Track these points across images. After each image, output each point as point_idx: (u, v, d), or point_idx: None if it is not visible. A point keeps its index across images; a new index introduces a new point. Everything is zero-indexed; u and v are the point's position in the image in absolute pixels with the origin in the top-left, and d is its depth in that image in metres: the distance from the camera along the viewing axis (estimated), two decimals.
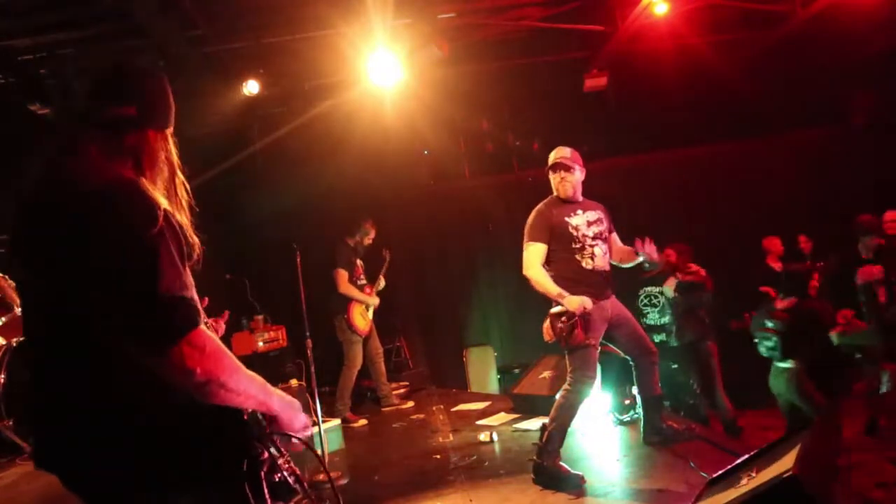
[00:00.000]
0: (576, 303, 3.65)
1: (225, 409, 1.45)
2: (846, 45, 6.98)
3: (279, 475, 1.49)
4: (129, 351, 1.35)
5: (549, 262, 3.88)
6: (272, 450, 1.50)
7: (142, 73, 1.60)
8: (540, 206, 3.99)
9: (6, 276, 4.57)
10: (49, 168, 1.51)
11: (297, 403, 1.59)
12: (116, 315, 1.34)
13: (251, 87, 6.08)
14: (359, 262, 6.21)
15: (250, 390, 1.46)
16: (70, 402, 1.41)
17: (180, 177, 1.65)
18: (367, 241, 6.20)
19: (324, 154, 7.61)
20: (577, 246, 3.85)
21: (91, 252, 1.35)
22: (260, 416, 1.53)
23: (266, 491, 1.43)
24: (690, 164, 8.21)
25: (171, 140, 1.64)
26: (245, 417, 1.50)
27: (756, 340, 5.16)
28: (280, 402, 1.53)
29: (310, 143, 7.59)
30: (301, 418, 1.59)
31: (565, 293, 3.70)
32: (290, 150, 7.60)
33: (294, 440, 1.57)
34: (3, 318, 4.37)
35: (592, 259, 3.85)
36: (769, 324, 5.00)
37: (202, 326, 1.39)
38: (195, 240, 1.56)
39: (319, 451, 4.38)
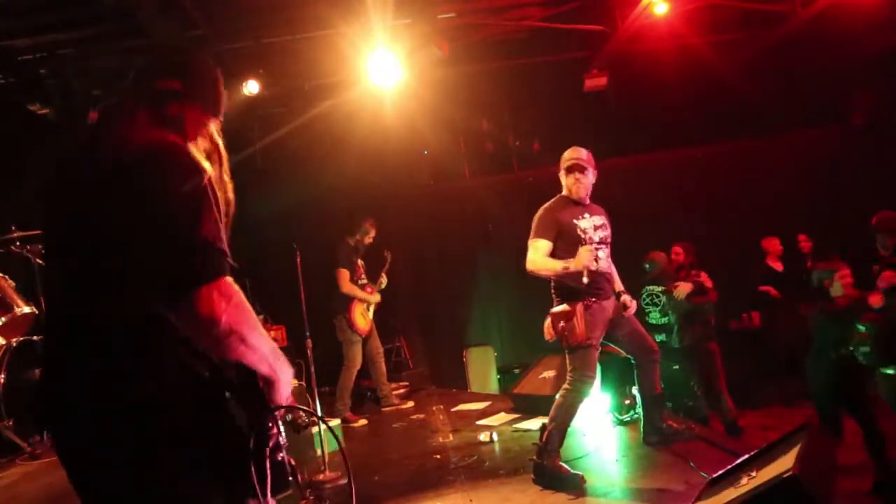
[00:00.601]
0: (582, 260, 3.65)
1: (242, 378, 1.46)
2: (846, 45, 6.98)
3: (281, 455, 1.48)
4: (159, 305, 1.37)
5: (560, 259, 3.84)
6: (278, 426, 1.49)
7: (193, 55, 1.71)
8: (549, 204, 3.98)
9: (6, 277, 4.58)
10: (98, 131, 1.57)
11: (291, 371, 1.60)
12: (155, 255, 1.36)
13: (251, 87, 6.07)
14: (359, 261, 6.21)
15: (264, 350, 1.48)
16: (89, 384, 1.40)
17: (226, 168, 1.72)
18: (368, 240, 6.20)
19: (324, 154, 7.61)
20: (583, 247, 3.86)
21: (140, 199, 1.39)
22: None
23: (269, 470, 1.42)
24: (690, 164, 8.22)
25: (216, 128, 1.71)
26: (260, 384, 1.49)
27: (851, 349, 4.54)
28: (283, 367, 1.55)
29: (310, 143, 7.59)
30: (289, 389, 1.59)
31: (570, 260, 3.70)
32: (290, 150, 7.60)
33: (301, 414, 1.57)
34: (3, 318, 4.37)
35: (596, 261, 3.85)
36: (862, 328, 4.47)
37: (230, 278, 1.42)
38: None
39: (320, 451, 4.38)
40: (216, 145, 1.71)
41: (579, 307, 3.70)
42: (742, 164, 8.26)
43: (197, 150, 1.60)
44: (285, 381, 1.55)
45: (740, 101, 7.64)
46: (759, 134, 8.16)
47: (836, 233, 6.88)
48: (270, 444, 1.45)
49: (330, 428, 1.64)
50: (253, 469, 1.40)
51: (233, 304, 1.39)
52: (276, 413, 1.50)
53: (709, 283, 5.86)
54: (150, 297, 1.38)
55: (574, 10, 6.24)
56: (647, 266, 6.02)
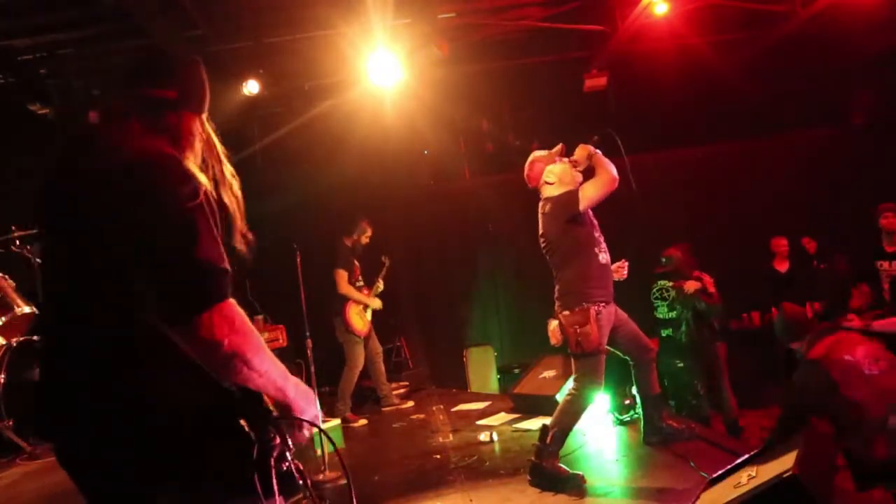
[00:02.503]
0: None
1: (242, 391, 1.44)
2: (846, 45, 6.99)
3: (287, 464, 1.47)
4: (158, 322, 1.34)
5: (572, 255, 3.78)
6: (282, 436, 1.48)
7: (181, 59, 1.67)
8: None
9: (6, 277, 4.58)
10: (91, 136, 1.54)
11: (311, 394, 1.57)
12: (152, 279, 1.34)
13: (251, 87, 6.08)
14: (356, 262, 6.20)
15: (271, 373, 1.44)
16: (88, 389, 1.39)
17: (225, 160, 1.68)
18: (364, 240, 6.19)
19: (324, 154, 7.61)
20: (597, 235, 3.84)
21: (133, 217, 1.36)
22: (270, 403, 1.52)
23: (274, 479, 1.40)
24: (690, 164, 8.21)
25: (207, 123, 1.68)
26: (261, 400, 1.48)
27: None
28: (296, 390, 1.52)
29: (310, 143, 7.59)
30: (312, 411, 1.56)
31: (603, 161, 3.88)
32: (290, 150, 7.60)
33: (305, 428, 1.56)
34: (3, 318, 4.38)
35: (605, 253, 3.84)
36: None
37: (233, 300, 1.38)
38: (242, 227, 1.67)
39: (320, 451, 4.38)
40: (212, 144, 1.67)
41: (593, 311, 3.67)
42: (742, 164, 8.25)
43: (193, 160, 1.56)
44: (300, 399, 1.52)
45: (740, 101, 7.64)
46: (759, 134, 8.15)
47: (836, 233, 6.89)
48: (274, 454, 1.44)
49: (328, 437, 1.61)
50: (257, 480, 1.38)
51: (235, 327, 1.36)
52: (279, 423, 1.48)
53: (711, 288, 5.85)
54: (148, 315, 1.35)
55: (574, 10, 6.25)
56: (664, 261, 6.03)
